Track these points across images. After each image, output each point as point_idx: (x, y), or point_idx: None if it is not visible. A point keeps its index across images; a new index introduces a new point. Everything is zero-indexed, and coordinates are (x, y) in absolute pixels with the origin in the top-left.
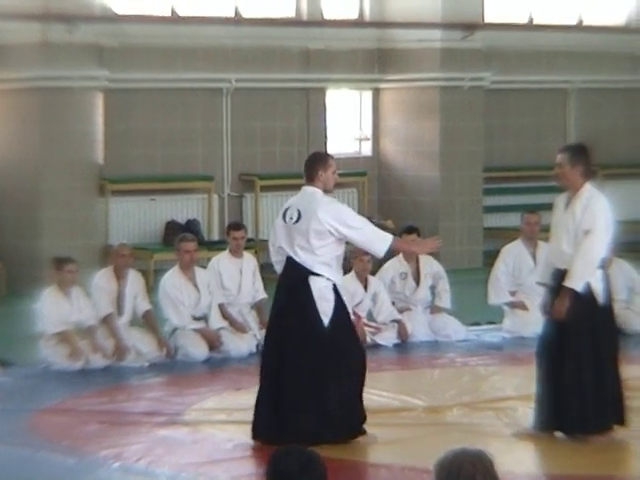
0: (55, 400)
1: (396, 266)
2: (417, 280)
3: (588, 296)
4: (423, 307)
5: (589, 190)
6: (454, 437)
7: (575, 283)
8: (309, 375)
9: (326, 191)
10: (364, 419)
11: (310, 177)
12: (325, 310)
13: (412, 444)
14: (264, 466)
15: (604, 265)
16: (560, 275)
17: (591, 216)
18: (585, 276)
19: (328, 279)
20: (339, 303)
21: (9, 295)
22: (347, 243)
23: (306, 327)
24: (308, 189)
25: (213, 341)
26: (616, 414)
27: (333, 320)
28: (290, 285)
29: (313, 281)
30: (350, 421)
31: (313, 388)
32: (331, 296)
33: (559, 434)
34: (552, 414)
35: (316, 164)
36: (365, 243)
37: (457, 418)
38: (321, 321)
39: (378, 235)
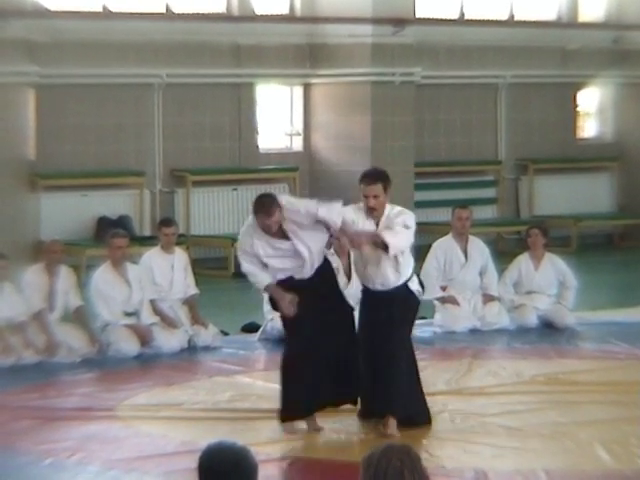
0: None
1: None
2: (349, 276)
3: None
4: (355, 302)
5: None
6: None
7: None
8: None
9: None
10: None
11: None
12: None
13: (349, 438)
14: (196, 462)
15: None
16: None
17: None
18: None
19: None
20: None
21: None
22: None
23: None
24: None
25: (144, 337)
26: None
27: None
28: None
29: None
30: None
31: None
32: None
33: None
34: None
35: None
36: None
37: None
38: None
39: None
